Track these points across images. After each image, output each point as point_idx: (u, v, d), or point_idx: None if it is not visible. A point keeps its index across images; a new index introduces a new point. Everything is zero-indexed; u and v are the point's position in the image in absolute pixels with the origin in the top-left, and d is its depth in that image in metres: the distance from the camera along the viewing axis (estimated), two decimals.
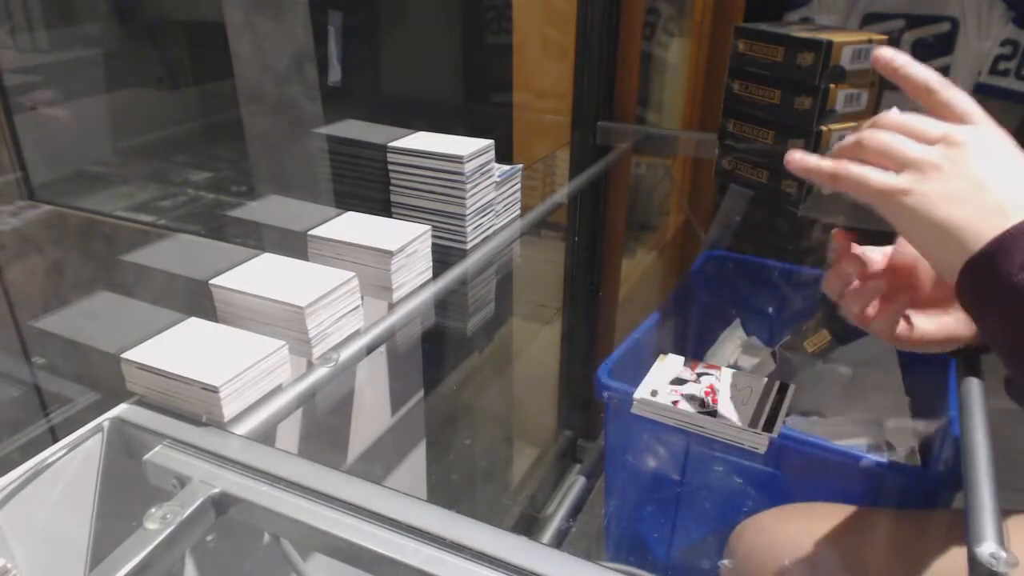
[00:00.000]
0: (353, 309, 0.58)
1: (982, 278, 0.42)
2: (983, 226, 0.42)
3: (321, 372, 0.55)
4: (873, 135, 0.47)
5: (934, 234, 0.44)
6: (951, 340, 0.56)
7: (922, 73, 0.48)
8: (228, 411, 0.48)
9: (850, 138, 0.49)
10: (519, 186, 0.80)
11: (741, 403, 0.70)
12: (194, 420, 0.48)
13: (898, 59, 0.48)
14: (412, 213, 0.74)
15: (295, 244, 0.64)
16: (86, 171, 1.84)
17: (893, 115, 0.48)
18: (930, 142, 0.46)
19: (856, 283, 0.55)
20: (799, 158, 0.50)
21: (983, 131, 0.46)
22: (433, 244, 0.67)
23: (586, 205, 1.19)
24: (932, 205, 0.44)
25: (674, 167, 1.50)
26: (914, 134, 0.46)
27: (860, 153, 0.48)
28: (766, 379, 0.74)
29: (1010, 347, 0.44)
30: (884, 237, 0.58)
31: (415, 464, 0.89)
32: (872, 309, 0.55)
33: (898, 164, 0.46)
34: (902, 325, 0.54)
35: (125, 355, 0.50)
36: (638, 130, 1.19)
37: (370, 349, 0.60)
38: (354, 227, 0.65)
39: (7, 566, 0.44)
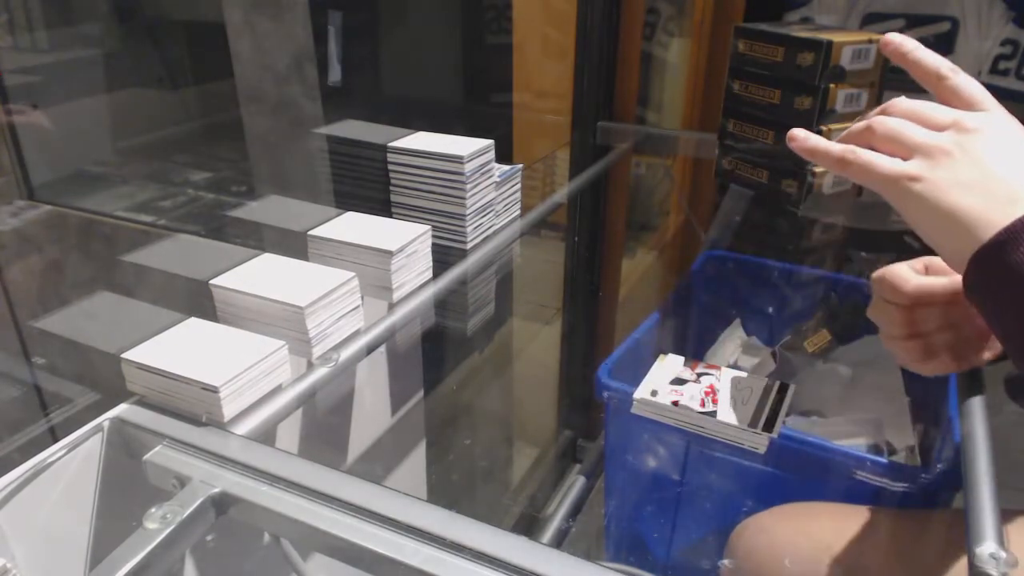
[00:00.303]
0: (353, 309, 0.58)
1: (992, 268, 0.41)
2: (993, 215, 0.41)
3: (321, 372, 0.55)
4: (883, 121, 0.46)
5: (942, 222, 0.43)
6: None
7: (932, 59, 0.47)
8: (228, 411, 0.48)
9: (859, 123, 0.48)
10: (519, 186, 0.80)
11: (741, 403, 0.70)
12: (194, 420, 0.48)
13: (907, 44, 0.47)
14: (412, 213, 0.74)
15: (295, 244, 0.64)
16: (86, 171, 1.84)
17: (903, 101, 0.47)
18: (940, 128, 0.45)
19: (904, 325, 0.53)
20: (803, 137, 0.49)
21: (994, 117, 0.45)
22: (433, 244, 0.67)
23: (586, 205, 1.19)
24: (941, 192, 0.43)
25: (674, 167, 1.50)
26: (924, 120, 0.45)
27: (869, 138, 0.47)
28: (766, 379, 0.74)
29: (1019, 340, 0.43)
30: (884, 237, 0.58)
31: (415, 464, 0.89)
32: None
33: (907, 150, 0.45)
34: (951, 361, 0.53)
35: (125, 355, 0.50)
36: (638, 130, 1.19)
37: (370, 349, 0.60)
38: (354, 227, 0.65)
39: (7, 566, 0.44)
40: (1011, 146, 0.43)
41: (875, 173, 0.45)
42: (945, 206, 0.43)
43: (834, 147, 0.47)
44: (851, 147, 0.47)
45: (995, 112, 0.45)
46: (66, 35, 1.83)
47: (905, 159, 0.45)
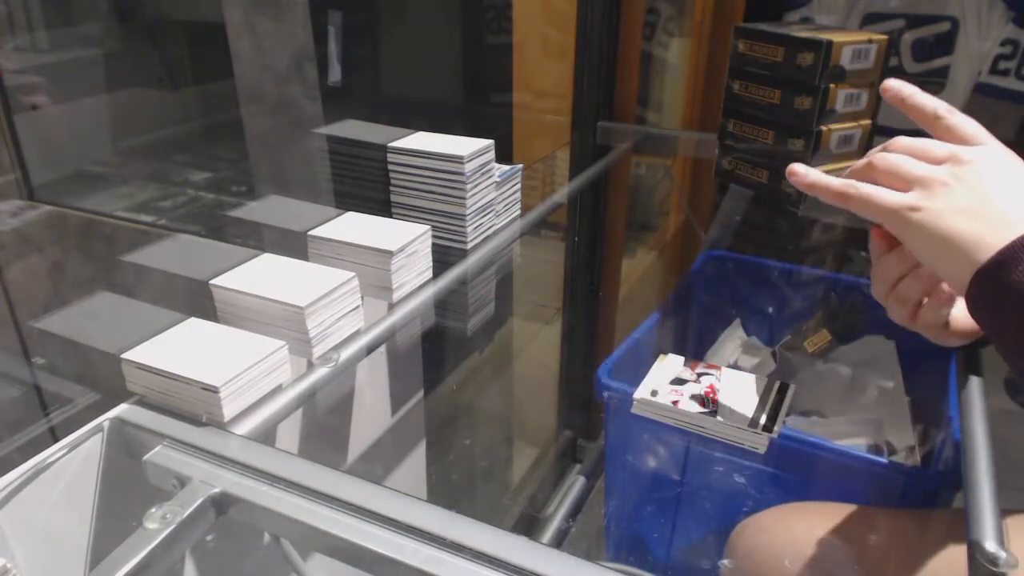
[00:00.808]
0: (353, 309, 0.58)
1: (991, 287, 0.43)
2: (990, 238, 0.44)
3: (321, 372, 0.55)
4: (884, 157, 0.49)
5: (942, 247, 0.45)
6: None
7: (929, 101, 0.50)
8: (228, 411, 0.48)
9: (861, 161, 0.51)
10: (519, 186, 0.80)
11: (741, 403, 0.70)
12: (194, 420, 0.48)
13: (906, 89, 0.51)
14: (412, 213, 0.74)
15: (295, 244, 0.64)
16: (86, 171, 1.84)
17: (902, 139, 0.50)
18: (938, 162, 0.48)
19: (902, 283, 0.54)
20: (803, 173, 0.52)
21: (989, 151, 0.47)
22: (433, 244, 0.67)
23: (586, 205, 1.19)
24: (939, 219, 0.45)
25: (674, 167, 1.50)
26: (923, 155, 0.48)
27: (871, 173, 0.50)
28: (766, 379, 0.74)
29: (1021, 353, 0.45)
30: None
31: (415, 464, 0.89)
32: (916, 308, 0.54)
33: (907, 183, 0.48)
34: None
35: (125, 355, 0.50)
36: (638, 130, 1.19)
37: (370, 349, 0.60)
38: (354, 227, 0.65)
39: (7, 566, 0.44)
40: (1005, 175, 0.46)
41: (875, 205, 0.48)
42: (943, 232, 0.45)
43: (834, 182, 0.51)
44: (851, 181, 0.50)
45: (990, 145, 0.48)
46: (66, 35, 1.83)
47: (906, 192, 0.47)
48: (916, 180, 0.47)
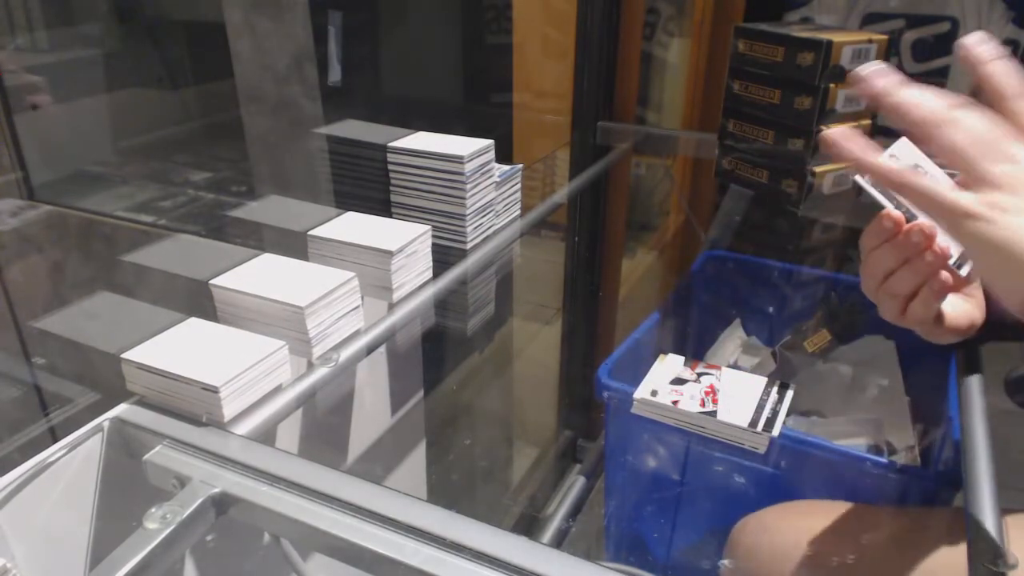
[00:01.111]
0: (353, 309, 0.58)
1: None
2: None
3: (321, 372, 0.55)
4: (947, 129, 0.42)
5: (1005, 262, 0.40)
6: (973, 326, 0.55)
7: (1002, 79, 0.43)
8: (228, 411, 0.48)
9: (923, 111, 0.42)
10: (519, 186, 0.80)
11: (741, 403, 0.70)
12: (194, 420, 0.48)
13: (987, 53, 0.42)
14: (412, 213, 0.74)
15: (295, 244, 0.64)
16: (86, 171, 1.84)
17: (971, 118, 0.42)
18: (1005, 158, 0.41)
19: (892, 277, 0.52)
20: (846, 137, 0.45)
21: None
22: (433, 244, 0.67)
23: (586, 205, 1.19)
24: (999, 230, 0.40)
25: (674, 167, 1.50)
26: (990, 144, 0.41)
27: (928, 137, 0.42)
28: (766, 379, 0.74)
29: None
30: None
31: (415, 464, 0.89)
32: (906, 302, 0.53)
33: (968, 172, 0.42)
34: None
35: (125, 355, 0.50)
36: (638, 130, 1.19)
37: (370, 349, 0.60)
38: (354, 227, 0.65)
39: (7, 566, 0.44)
40: None
41: (935, 203, 0.42)
42: (1000, 242, 0.40)
43: (892, 169, 0.44)
44: (909, 172, 0.44)
45: None
46: (66, 35, 1.83)
47: (963, 180, 0.42)
48: (980, 177, 0.41)
